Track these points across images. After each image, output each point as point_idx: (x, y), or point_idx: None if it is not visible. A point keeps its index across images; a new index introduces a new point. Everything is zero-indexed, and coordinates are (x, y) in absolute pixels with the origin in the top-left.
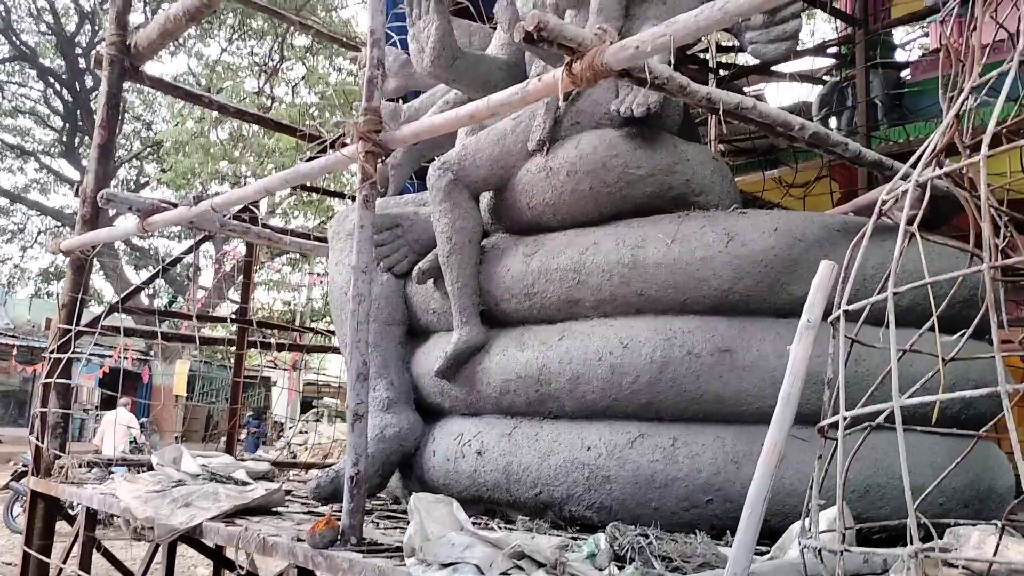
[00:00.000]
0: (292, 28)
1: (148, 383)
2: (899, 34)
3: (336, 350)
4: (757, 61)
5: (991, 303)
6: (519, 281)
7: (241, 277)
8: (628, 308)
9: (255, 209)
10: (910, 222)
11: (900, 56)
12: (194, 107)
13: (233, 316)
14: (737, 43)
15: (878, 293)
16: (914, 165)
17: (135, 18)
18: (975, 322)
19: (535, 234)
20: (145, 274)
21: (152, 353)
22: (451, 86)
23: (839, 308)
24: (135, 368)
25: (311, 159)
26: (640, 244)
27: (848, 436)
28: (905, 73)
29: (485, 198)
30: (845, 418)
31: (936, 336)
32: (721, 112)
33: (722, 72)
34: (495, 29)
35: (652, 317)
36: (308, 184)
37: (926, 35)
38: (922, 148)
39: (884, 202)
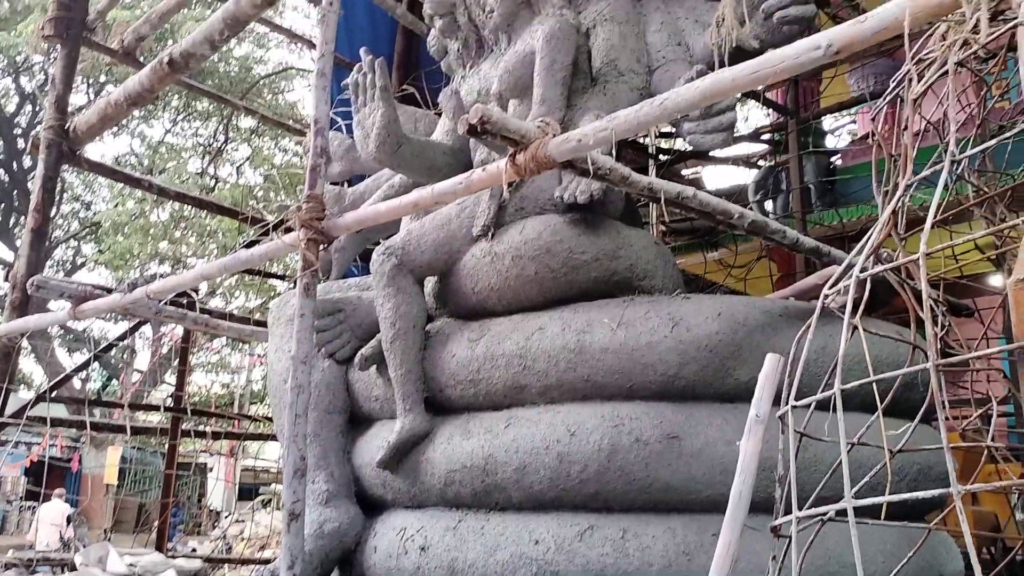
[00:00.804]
0: (238, 111)
1: (77, 472)
2: (828, 121)
3: (275, 438)
4: None
5: (938, 399)
6: (464, 367)
7: (177, 361)
8: (575, 394)
9: (193, 293)
10: (854, 308)
11: (829, 142)
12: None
13: (167, 404)
14: (674, 129)
15: (824, 387)
16: (856, 253)
17: (78, 99)
18: (920, 413)
19: (480, 319)
20: (79, 357)
21: (82, 441)
22: (396, 171)
23: (787, 402)
24: (64, 456)
25: (252, 243)
26: (586, 329)
27: (801, 532)
28: (836, 159)
29: (430, 283)
30: (798, 519)
31: (882, 428)
32: (663, 201)
33: (661, 157)
34: (440, 115)
35: (599, 403)
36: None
37: (853, 122)
38: (861, 243)
39: (827, 296)
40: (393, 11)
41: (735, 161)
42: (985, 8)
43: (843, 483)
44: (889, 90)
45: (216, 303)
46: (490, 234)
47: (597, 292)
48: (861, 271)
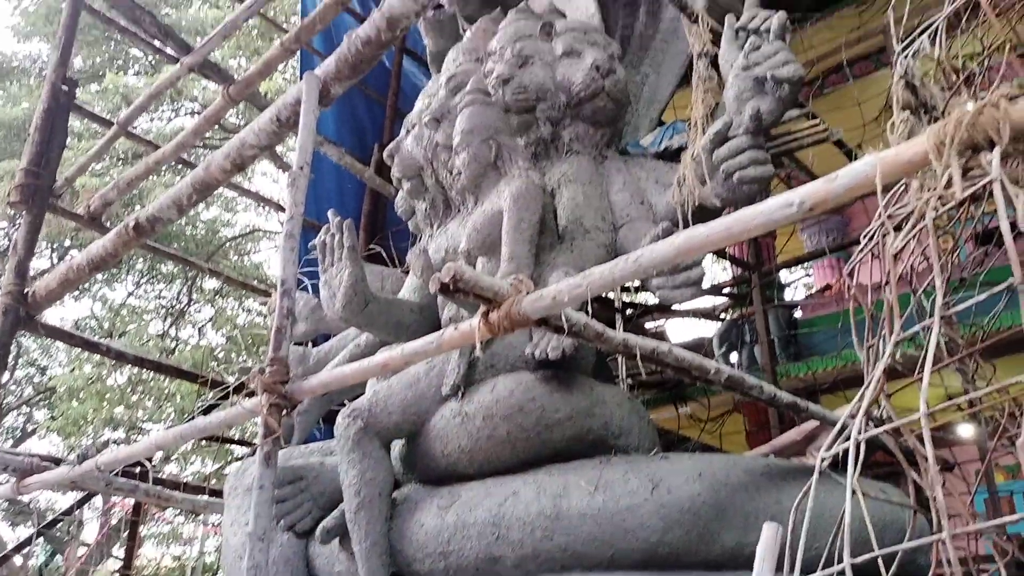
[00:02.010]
0: (203, 273)
1: None
2: (784, 274)
3: None
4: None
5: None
6: (434, 538)
7: (126, 535)
8: (553, 564)
9: (146, 462)
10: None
11: (787, 294)
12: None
13: None
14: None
15: (826, 559)
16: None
17: (40, 263)
18: None
19: (450, 484)
20: (22, 531)
21: None
22: (363, 330)
23: None
24: None
25: (210, 408)
26: (562, 493)
27: None
28: (797, 312)
29: (397, 446)
30: None
31: None
32: (639, 357)
33: (628, 311)
34: (407, 273)
35: (579, 574)
36: None
37: (809, 275)
38: (853, 403)
39: (823, 460)
40: (361, 174)
41: (698, 314)
42: (957, 165)
43: None
44: (861, 246)
45: (171, 469)
46: (460, 393)
47: (572, 452)
48: (858, 432)
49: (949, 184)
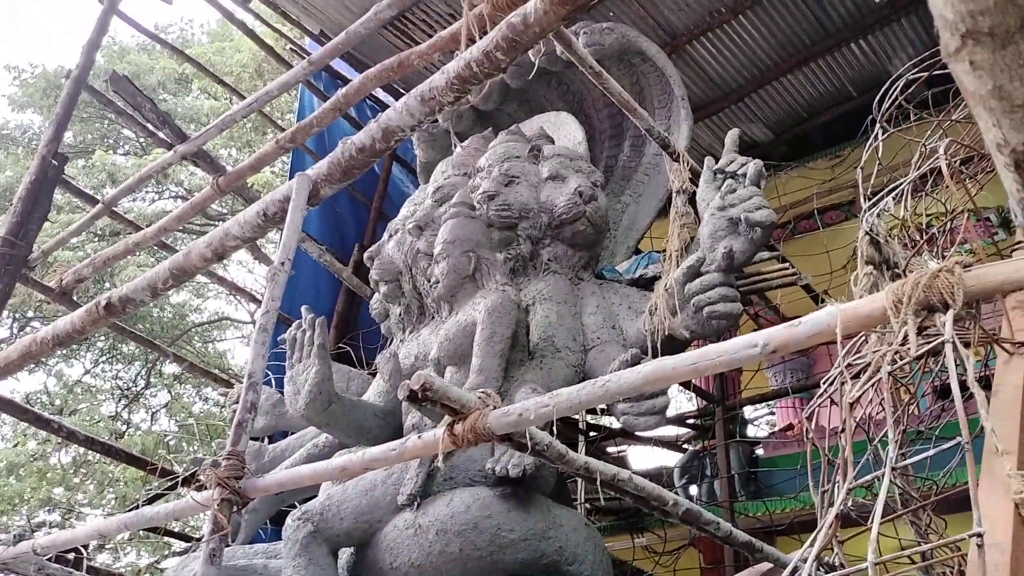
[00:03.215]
0: (166, 357)
1: None
2: (748, 410)
3: None
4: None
5: None
6: None
7: None
8: None
9: (82, 549)
10: None
11: (751, 431)
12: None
13: None
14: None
15: None
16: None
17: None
18: None
19: None
20: None
21: None
22: (324, 430)
23: None
24: None
25: (155, 497)
26: None
27: None
28: (758, 449)
29: (344, 555)
30: None
31: None
32: (599, 482)
33: (591, 433)
34: (373, 375)
35: None
36: None
37: (772, 414)
38: (804, 547)
39: None
40: (339, 273)
41: (661, 443)
42: (912, 324)
43: None
44: (820, 392)
45: (104, 559)
46: (416, 504)
47: None
48: None
49: (906, 340)
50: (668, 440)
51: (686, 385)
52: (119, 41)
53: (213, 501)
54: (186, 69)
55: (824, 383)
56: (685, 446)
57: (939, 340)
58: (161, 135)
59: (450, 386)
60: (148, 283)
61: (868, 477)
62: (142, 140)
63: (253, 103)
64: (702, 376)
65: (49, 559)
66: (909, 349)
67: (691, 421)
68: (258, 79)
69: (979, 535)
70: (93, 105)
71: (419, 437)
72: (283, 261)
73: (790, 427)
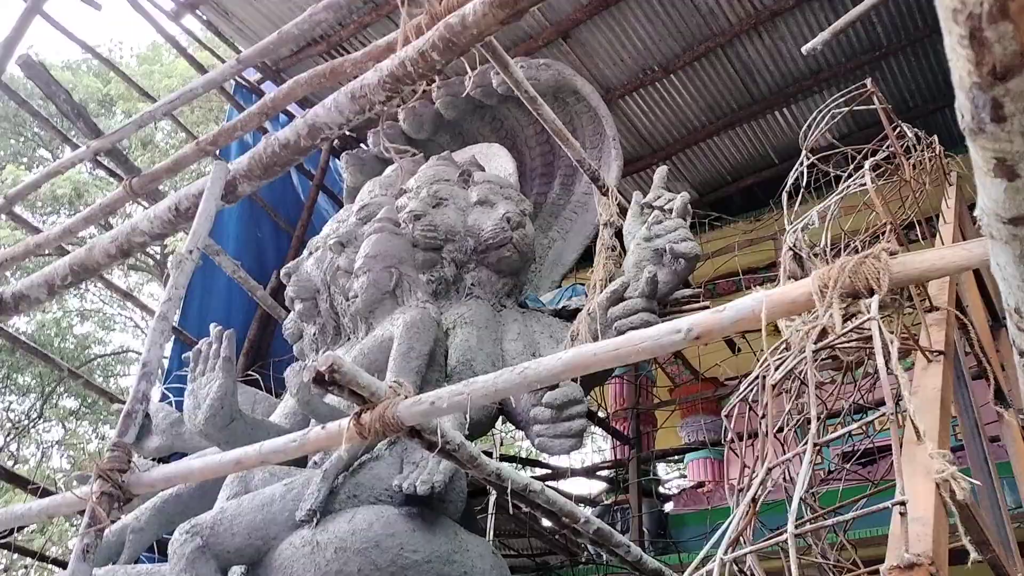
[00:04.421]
0: (61, 387)
1: None
2: (661, 470)
3: None
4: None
5: None
6: None
7: None
8: None
9: None
10: None
11: (664, 490)
12: None
13: None
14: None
15: None
16: None
17: None
18: None
19: None
20: None
21: None
22: (223, 449)
23: None
24: None
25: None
26: None
27: None
28: (668, 505)
29: (235, 574)
30: None
31: None
32: (509, 491)
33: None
34: (280, 397)
35: None
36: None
37: (683, 476)
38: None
39: None
40: (253, 292)
41: (578, 500)
42: (838, 308)
43: None
44: (745, 385)
45: None
46: (315, 520)
47: None
48: None
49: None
50: (583, 497)
51: (604, 426)
52: (42, 56)
53: (93, 494)
54: (110, 90)
55: (748, 379)
56: (599, 500)
57: (864, 319)
58: (73, 138)
59: (360, 371)
60: (45, 279)
61: (768, 541)
62: (59, 156)
63: (176, 99)
64: (623, 363)
65: None
66: (834, 327)
67: (603, 473)
68: (187, 104)
69: (903, 503)
70: (8, 120)
71: (323, 428)
72: (191, 249)
73: (701, 484)
